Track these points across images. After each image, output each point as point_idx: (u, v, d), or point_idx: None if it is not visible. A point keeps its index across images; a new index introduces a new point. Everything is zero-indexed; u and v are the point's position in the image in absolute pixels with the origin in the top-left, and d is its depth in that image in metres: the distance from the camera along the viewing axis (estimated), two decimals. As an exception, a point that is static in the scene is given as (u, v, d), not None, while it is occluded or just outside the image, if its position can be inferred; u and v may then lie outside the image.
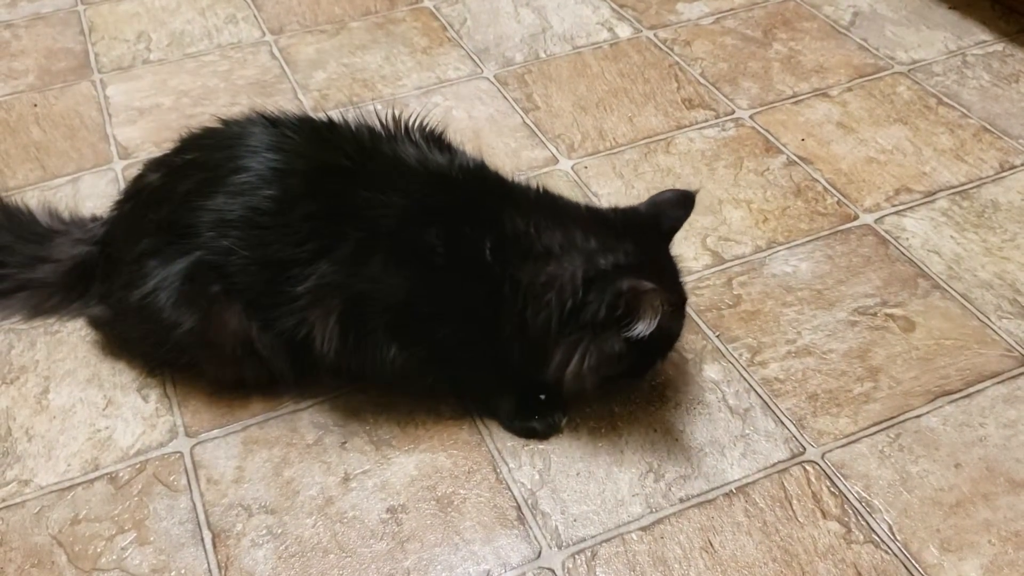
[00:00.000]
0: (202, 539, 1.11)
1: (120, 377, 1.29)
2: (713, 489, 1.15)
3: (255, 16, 2.02)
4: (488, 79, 1.83)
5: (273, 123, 1.19)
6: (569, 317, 1.09)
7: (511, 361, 1.15)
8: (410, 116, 1.22)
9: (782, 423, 1.22)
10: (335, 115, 1.29)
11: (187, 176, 1.18)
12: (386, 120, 1.21)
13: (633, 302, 1.06)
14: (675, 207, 1.20)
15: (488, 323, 1.12)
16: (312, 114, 1.71)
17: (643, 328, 1.06)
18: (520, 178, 1.26)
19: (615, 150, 1.66)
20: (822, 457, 1.18)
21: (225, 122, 1.25)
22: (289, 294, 1.12)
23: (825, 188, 1.57)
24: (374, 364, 1.14)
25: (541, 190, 1.21)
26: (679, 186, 1.56)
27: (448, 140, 1.25)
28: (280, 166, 1.14)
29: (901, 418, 1.22)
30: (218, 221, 1.13)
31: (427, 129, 1.22)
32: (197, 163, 1.19)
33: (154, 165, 1.26)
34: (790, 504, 1.13)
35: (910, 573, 1.06)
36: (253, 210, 1.12)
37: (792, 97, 1.77)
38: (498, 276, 1.11)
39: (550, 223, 1.13)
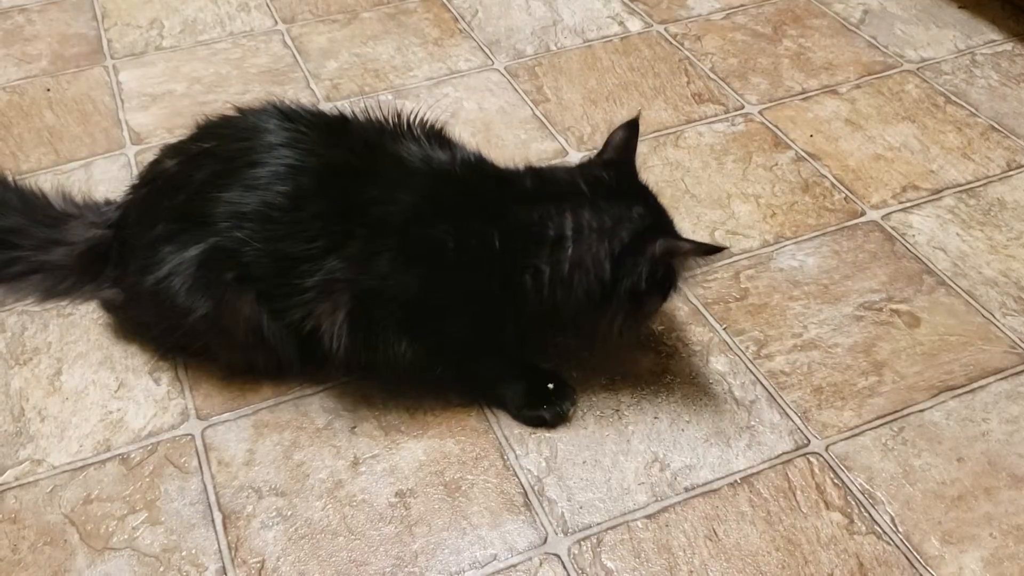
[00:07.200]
0: (212, 520, 1.13)
1: (132, 360, 1.30)
2: (718, 479, 1.16)
3: (267, 4, 2.02)
4: (499, 71, 1.84)
5: (289, 118, 1.20)
6: (603, 294, 1.13)
7: (525, 347, 1.17)
8: (411, 112, 1.23)
9: (787, 415, 1.23)
10: (346, 106, 1.30)
11: (203, 165, 1.19)
12: (388, 117, 1.22)
13: (670, 264, 1.14)
14: (630, 137, 1.23)
15: (502, 313, 1.14)
16: (324, 104, 1.73)
17: (682, 282, 1.18)
18: (511, 164, 1.26)
19: (624, 143, 1.66)
20: (826, 449, 1.19)
21: (241, 111, 1.26)
22: (299, 288, 1.13)
23: (833, 184, 1.58)
24: (384, 358, 1.15)
25: (534, 172, 1.21)
26: (688, 182, 1.58)
27: (448, 136, 1.25)
28: (294, 163, 1.15)
29: (905, 412, 1.23)
30: (233, 213, 1.14)
31: (427, 125, 1.23)
32: (213, 153, 1.20)
33: (170, 151, 1.27)
34: (794, 495, 1.14)
35: (911, 564, 1.08)
36: (267, 205, 1.14)
37: (801, 93, 1.77)
38: (513, 266, 1.12)
39: (556, 206, 1.14)
